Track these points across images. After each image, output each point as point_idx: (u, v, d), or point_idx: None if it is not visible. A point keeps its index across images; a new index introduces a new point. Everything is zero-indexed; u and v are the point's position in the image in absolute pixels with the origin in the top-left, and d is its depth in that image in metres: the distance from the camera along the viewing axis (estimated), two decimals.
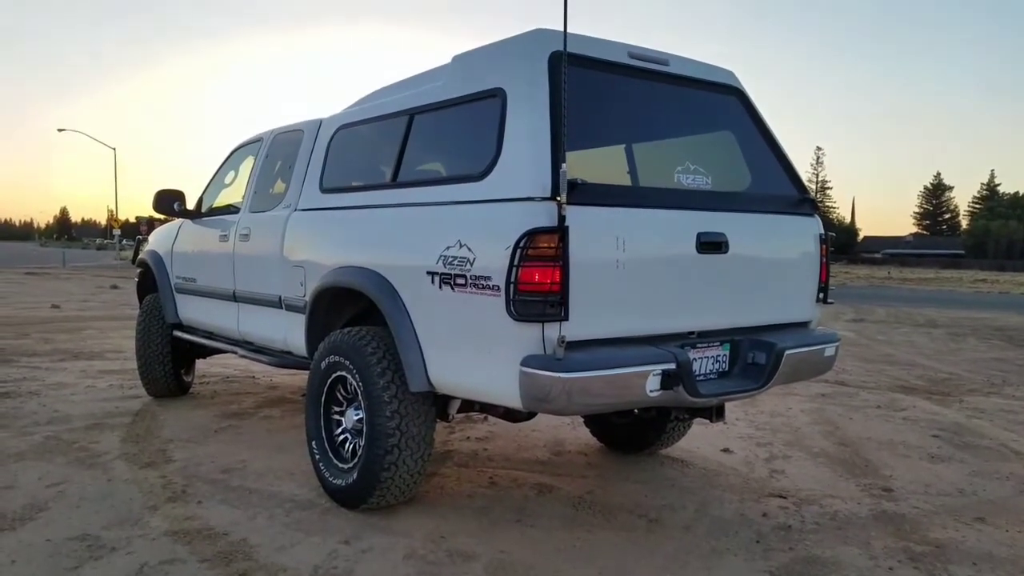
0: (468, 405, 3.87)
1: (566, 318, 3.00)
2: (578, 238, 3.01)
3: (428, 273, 3.43)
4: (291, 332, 4.64)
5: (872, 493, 4.44)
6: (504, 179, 3.24)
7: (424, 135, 3.91)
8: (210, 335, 5.83)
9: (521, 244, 3.00)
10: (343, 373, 3.92)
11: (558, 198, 2.97)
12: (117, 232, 54.96)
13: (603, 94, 3.60)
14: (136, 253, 8.52)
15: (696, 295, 3.53)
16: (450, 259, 3.32)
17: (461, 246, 3.28)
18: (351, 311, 4.26)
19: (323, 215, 4.39)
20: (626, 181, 3.65)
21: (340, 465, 3.97)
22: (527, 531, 3.72)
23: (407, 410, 3.66)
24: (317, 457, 4.10)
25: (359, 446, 3.89)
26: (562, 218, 2.97)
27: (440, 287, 3.37)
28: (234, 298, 5.25)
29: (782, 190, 4.06)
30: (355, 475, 3.79)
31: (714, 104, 4.08)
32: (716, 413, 3.76)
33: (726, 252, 3.56)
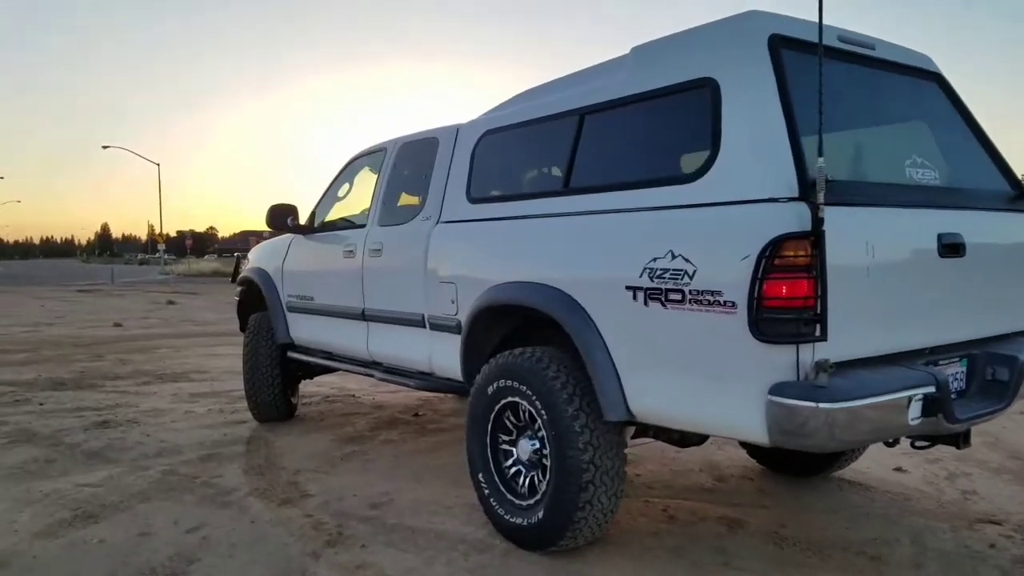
0: (641, 430, 3.48)
1: (824, 338, 2.58)
2: (831, 243, 2.60)
3: (628, 288, 3.03)
4: (438, 353, 4.27)
5: None
6: (727, 178, 2.84)
7: (602, 135, 3.51)
8: (328, 355, 5.50)
9: (767, 253, 2.59)
10: (516, 399, 3.54)
11: (812, 198, 2.56)
12: (162, 247, 55.38)
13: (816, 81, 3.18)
14: (236, 272, 8.23)
15: (936, 305, 3.10)
16: (659, 272, 2.92)
17: (674, 256, 2.87)
18: (502, 330, 3.89)
19: (476, 227, 4.02)
20: (853, 176, 3.23)
21: (516, 502, 3.59)
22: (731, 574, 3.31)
23: (599, 441, 3.27)
24: (486, 492, 3.72)
25: (537, 480, 3.51)
26: (819, 221, 2.56)
27: (646, 303, 2.97)
28: (363, 317, 4.90)
29: (993, 185, 3.61)
30: (541, 514, 3.40)
31: (915, 90, 3.65)
32: (963, 439, 3.30)
33: (963, 255, 3.12)
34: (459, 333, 4.03)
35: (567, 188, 3.56)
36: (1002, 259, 3.37)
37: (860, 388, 2.62)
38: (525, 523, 3.49)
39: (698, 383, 2.88)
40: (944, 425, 2.84)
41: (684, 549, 3.57)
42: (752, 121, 2.83)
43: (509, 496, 3.63)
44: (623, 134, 3.45)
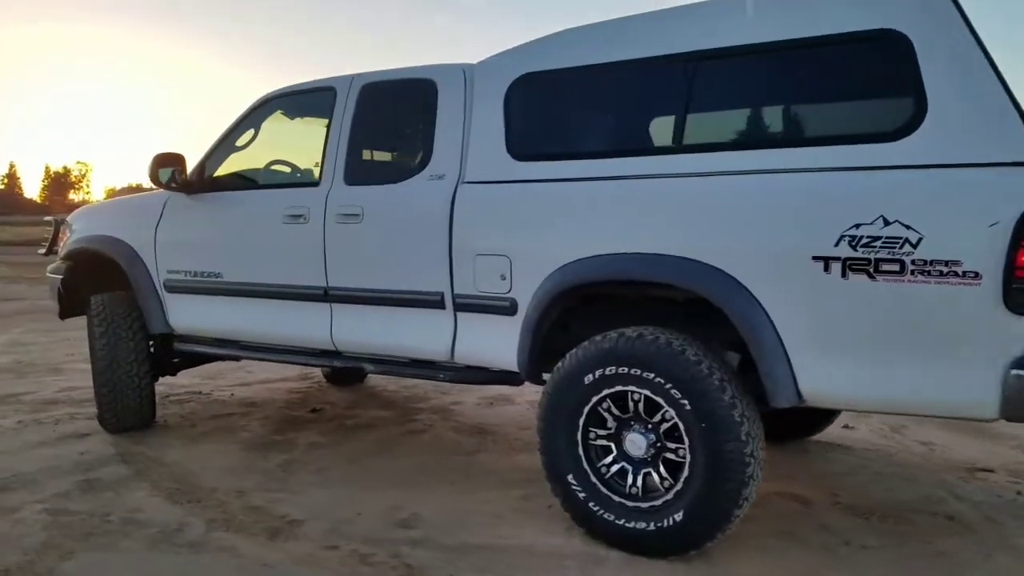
0: None
1: None
2: None
3: (817, 259, 2.75)
4: (468, 337, 3.63)
5: None
6: (944, 138, 2.65)
7: (738, 85, 3.14)
8: (238, 344, 4.47)
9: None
10: (628, 388, 3.08)
11: None
12: None
13: None
14: (54, 241, 6.01)
15: None
16: (865, 240, 2.67)
17: (887, 223, 2.64)
18: (556, 311, 3.40)
19: (537, 189, 3.40)
20: None
21: (629, 504, 3.14)
22: (866, 554, 3.22)
23: (756, 431, 2.97)
24: (582, 496, 3.22)
25: (653, 477, 3.11)
26: None
27: (844, 275, 2.71)
28: (325, 297, 4.00)
29: None
30: (680, 515, 3.00)
31: None
32: None
33: None
34: (510, 314, 3.43)
35: (690, 145, 3.15)
36: None
37: None
38: (652, 527, 3.06)
39: (912, 359, 2.69)
40: None
41: (792, 533, 3.40)
42: (960, 77, 2.67)
43: (617, 498, 3.17)
44: (770, 86, 3.11)
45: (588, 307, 3.44)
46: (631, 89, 3.35)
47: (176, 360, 5.07)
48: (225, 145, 4.52)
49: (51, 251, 5.47)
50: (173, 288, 4.58)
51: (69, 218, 5.35)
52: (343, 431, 5.03)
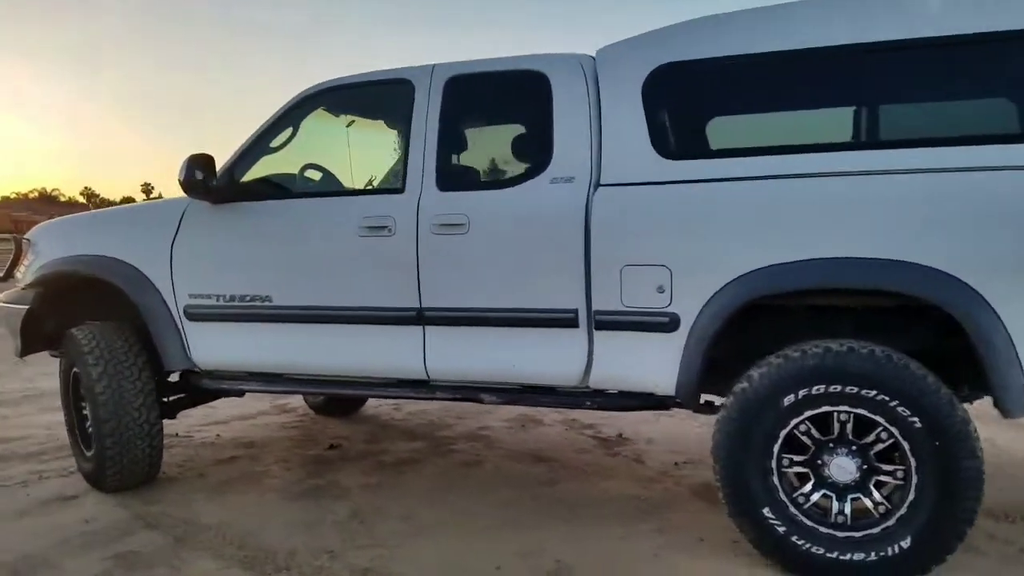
0: None
1: None
2: None
3: None
4: (609, 358, 3.23)
5: None
6: None
7: (947, 74, 2.92)
8: (294, 379, 3.85)
9: None
10: (837, 408, 2.83)
11: None
12: None
13: None
14: (15, 263, 4.54)
15: None
16: None
17: None
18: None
19: (704, 190, 3.03)
20: None
21: (840, 535, 2.87)
22: None
23: (981, 444, 2.80)
24: (782, 530, 2.92)
25: (865, 503, 2.87)
26: None
27: None
28: (418, 319, 3.48)
29: None
30: (907, 541, 2.77)
31: None
32: None
33: None
34: (668, 331, 3.08)
35: (904, 140, 2.92)
36: None
37: None
38: (874, 557, 2.81)
39: None
40: None
41: (965, 544, 3.24)
42: None
43: (824, 530, 2.89)
44: (992, 77, 2.90)
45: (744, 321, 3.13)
46: (825, 80, 3.07)
47: (178, 399, 4.32)
48: (258, 147, 3.86)
49: (9, 275, 4.52)
50: (198, 316, 3.86)
51: (30, 235, 4.45)
52: (386, 469, 4.46)
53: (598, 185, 3.21)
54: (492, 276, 3.35)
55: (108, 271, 3.95)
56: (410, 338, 3.52)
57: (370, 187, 3.99)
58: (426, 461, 4.59)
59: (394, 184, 3.63)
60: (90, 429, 4.16)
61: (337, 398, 5.56)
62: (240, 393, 4.22)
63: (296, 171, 3.97)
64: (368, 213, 3.53)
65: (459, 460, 4.59)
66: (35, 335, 4.34)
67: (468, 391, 3.53)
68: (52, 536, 3.58)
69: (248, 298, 3.76)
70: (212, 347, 3.89)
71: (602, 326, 3.21)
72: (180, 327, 3.90)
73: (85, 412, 4.23)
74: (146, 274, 3.91)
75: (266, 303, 3.73)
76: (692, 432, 4.91)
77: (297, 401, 6.00)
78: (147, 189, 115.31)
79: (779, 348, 2.94)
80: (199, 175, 3.60)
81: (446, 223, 3.39)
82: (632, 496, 3.90)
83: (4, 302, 4.41)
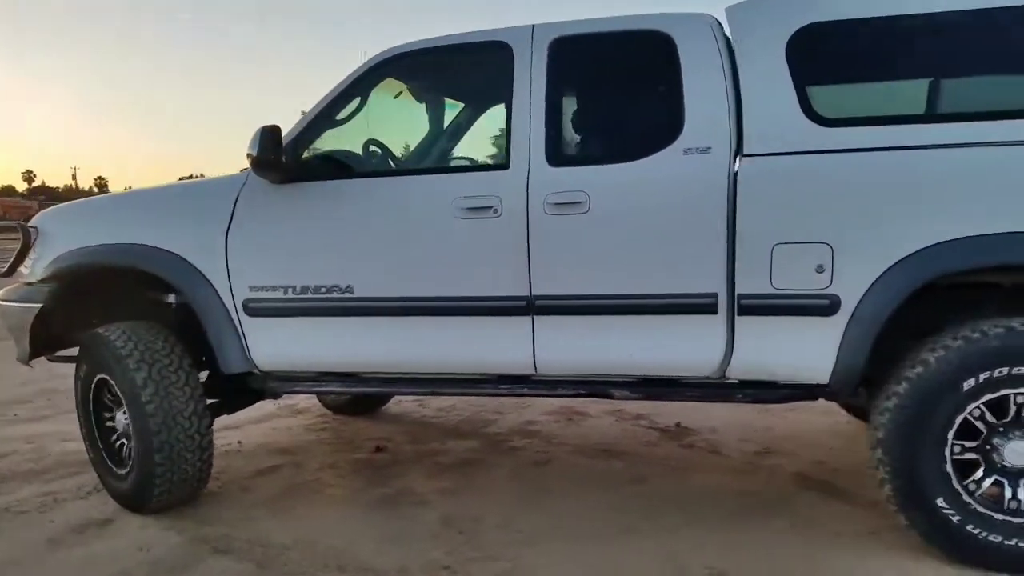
0: None
1: None
2: None
3: None
4: (753, 347, 2.97)
5: None
6: None
7: None
8: (375, 378, 3.47)
9: None
10: (1019, 391, 2.67)
11: None
12: None
13: None
14: (21, 257, 3.75)
15: None
16: None
17: None
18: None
19: (876, 159, 2.77)
20: None
21: (1015, 521, 2.72)
22: None
23: None
24: (957, 520, 2.73)
25: None
26: None
27: None
28: (528, 309, 3.14)
29: None
30: None
31: None
32: None
33: None
34: (826, 314, 2.85)
35: None
36: None
37: None
38: None
39: None
40: None
41: None
42: None
43: (1000, 517, 2.73)
44: None
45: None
46: (997, 42, 2.85)
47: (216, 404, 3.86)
48: (324, 120, 3.44)
49: (13, 270, 3.92)
50: (260, 311, 3.41)
51: (37, 223, 3.87)
52: (451, 471, 4.10)
53: (740, 155, 2.93)
54: (616, 259, 3.04)
55: (152, 262, 3.46)
56: (516, 329, 3.18)
57: (465, 163, 3.60)
58: (489, 461, 4.25)
59: (496, 160, 3.27)
60: (118, 443, 3.69)
61: (363, 397, 5.16)
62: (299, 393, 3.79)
63: (363, 147, 3.55)
64: (467, 192, 3.16)
65: (526, 459, 4.27)
66: (40, 338, 3.80)
67: (593, 386, 3.21)
68: (108, 569, 3.11)
69: (324, 289, 3.33)
70: (278, 345, 3.45)
71: (746, 311, 2.94)
72: (237, 324, 3.44)
73: (109, 424, 3.75)
74: (194, 265, 3.43)
75: (346, 295, 3.32)
76: (751, 418, 4.73)
77: (308, 401, 5.54)
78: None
79: (922, 330, 2.79)
80: (272, 152, 3.16)
81: (562, 202, 3.05)
82: (736, 491, 3.68)
83: (7, 300, 3.84)
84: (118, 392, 3.51)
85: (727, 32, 3.07)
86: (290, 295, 3.37)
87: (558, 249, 3.09)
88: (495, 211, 3.12)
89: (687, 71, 3.02)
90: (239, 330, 3.45)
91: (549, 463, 4.19)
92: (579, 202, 3.04)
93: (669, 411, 4.99)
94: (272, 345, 3.45)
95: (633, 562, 2.98)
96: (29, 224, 3.87)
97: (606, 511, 3.49)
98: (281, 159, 3.22)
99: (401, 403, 5.49)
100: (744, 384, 3.10)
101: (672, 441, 4.50)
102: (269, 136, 3.15)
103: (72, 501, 3.84)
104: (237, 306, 3.43)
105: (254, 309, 3.42)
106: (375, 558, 3.09)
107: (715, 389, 3.14)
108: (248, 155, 3.16)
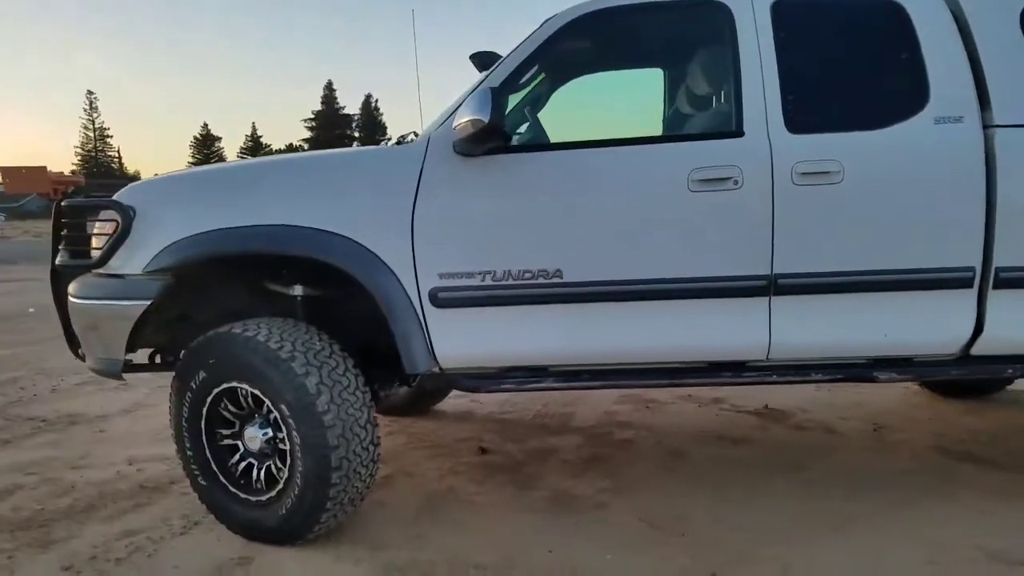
0: None
1: None
2: None
3: None
4: (1008, 323, 2.93)
5: None
6: None
7: None
8: (575, 372, 3.11)
9: None
10: None
11: None
12: None
13: None
14: (119, 241, 3.01)
15: None
16: None
17: None
18: None
19: None
20: None
21: None
22: None
23: None
24: None
25: None
26: None
27: None
28: (766, 289, 2.92)
29: None
30: None
31: None
32: None
33: None
34: None
35: None
36: None
37: None
38: None
39: None
40: None
41: None
42: None
43: None
44: None
45: None
46: None
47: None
48: (509, 87, 3.04)
49: (107, 259, 3.14)
50: (451, 301, 2.95)
51: (128, 200, 3.14)
52: (589, 469, 3.79)
53: (992, 125, 2.86)
54: (868, 233, 2.89)
55: (322, 248, 2.90)
56: (751, 311, 2.95)
57: (693, 130, 3.28)
58: (616, 456, 3.98)
59: (724, 126, 3.01)
60: (243, 465, 3.12)
61: (418, 397, 4.72)
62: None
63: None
64: (701, 163, 2.89)
65: (654, 451, 4.04)
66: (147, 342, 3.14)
67: (850, 369, 3.04)
68: None
69: (530, 275, 2.93)
70: (468, 339, 2.99)
71: (1004, 284, 2.89)
72: (422, 318, 2.97)
73: (224, 443, 3.16)
74: (373, 251, 2.93)
75: (554, 279, 2.94)
76: (816, 395, 4.78)
77: None
78: None
79: None
80: (501, 118, 2.74)
81: (813, 171, 2.86)
82: (897, 470, 3.66)
83: (87, 298, 3.12)
84: (261, 404, 2.96)
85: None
86: (488, 282, 2.94)
87: (806, 223, 2.89)
88: (735, 182, 2.87)
89: (925, 40, 2.94)
90: (423, 324, 2.98)
91: (683, 455, 3.96)
92: (831, 171, 2.86)
93: (741, 394, 4.92)
94: (461, 339, 3.00)
95: (889, 546, 2.86)
96: (115, 200, 3.13)
97: (804, 501, 3.34)
98: (504, 127, 2.81)
99: (448, 401, 5.07)
100: (977, 359, 3.03)
101: (777, 424, 4.44)
102: (496, 99, 2.73)
103: (172, 539, 3.19)
104: (423, 296, 2.95)
105: (444, 300, 2.95)
106: (612, 569, 2.77)
107: (978, 365, 3.05)
108: (473, 120, 2.71)
